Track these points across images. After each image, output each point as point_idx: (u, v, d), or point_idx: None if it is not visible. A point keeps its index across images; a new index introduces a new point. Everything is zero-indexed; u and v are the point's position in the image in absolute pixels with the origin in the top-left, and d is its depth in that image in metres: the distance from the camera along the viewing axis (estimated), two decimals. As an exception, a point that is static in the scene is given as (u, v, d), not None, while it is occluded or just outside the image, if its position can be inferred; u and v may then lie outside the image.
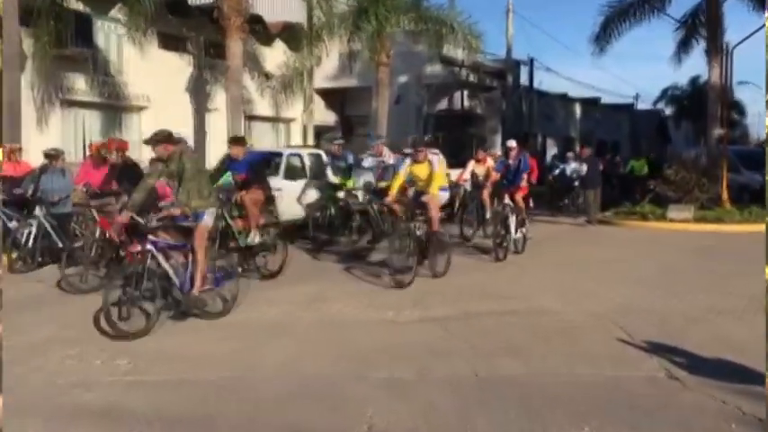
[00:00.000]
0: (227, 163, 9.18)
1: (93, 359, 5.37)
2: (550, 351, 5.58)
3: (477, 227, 12.26)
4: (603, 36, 19.57)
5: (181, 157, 6.53)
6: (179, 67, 17.90)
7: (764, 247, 7.64)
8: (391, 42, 17.71)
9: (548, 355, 5.48)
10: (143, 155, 12.12)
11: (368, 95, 19.19)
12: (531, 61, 29.77)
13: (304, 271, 9.14)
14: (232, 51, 15.15)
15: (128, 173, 8.83)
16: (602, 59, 50.87)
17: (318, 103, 22.78)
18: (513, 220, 10.45)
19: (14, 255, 9.01)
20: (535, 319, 6.69)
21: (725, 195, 15.88)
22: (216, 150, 15.42)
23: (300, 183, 12.40)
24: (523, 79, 29.59)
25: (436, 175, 8.64)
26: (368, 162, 11.29)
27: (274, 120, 20.92)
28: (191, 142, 17.18)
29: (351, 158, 11.77)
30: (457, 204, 13.36)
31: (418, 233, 8.50)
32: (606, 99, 37.75)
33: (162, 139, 6.52)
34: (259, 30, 18.31)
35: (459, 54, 20.80)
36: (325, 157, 12.73)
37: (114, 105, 16.52)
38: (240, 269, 8.20)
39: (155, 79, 16.56)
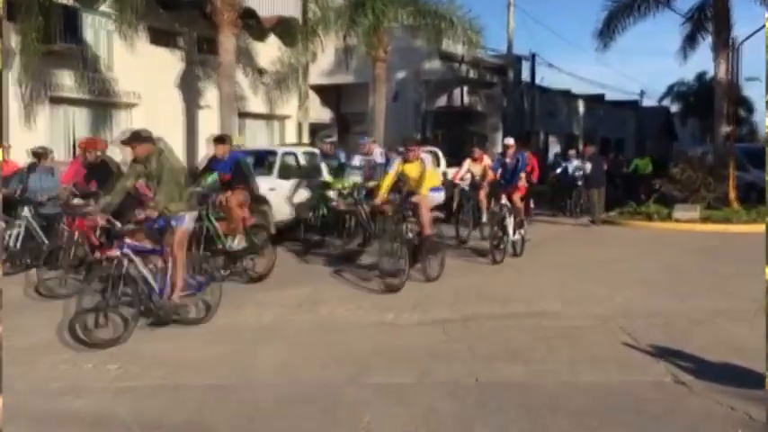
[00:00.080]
0: (212, 163, 9.02)
1: (84, 363, 5.32)
2: (552, 355, 5.51)
3: (474, 228, 11.95)
4: (607, 31, 19.23)
5: (159, 157, 6.37)
6: (170, 62, 17.60)
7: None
8: (389, 37, 17.45)
9: (549, 358, 5.42)
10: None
11: (365, 92, 18.96)
12: (533, 57, 29.50)
13: (293, 274, 9.02)
14: (225, 47, 14.84)
15: (100, 171, 8.59)
16: (606, 55, 50.49)
17: (314, 99, 22.62)
18: (510, 222, 10.16)
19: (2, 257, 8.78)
20: (536, 321, 6.60)
21: (732, 195, 15.70)
22: (208, 149, 15.09)
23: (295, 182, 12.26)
24: (525, 75, 29.47)
25: (428, 174, 8.36)
26: (356, 161, 10.99)
27: (268, 117, 20.66)
28: (181, 140, 17.06)
29: (342, 157, 11.51)
30: (455, 205, 13.03)
31: (409, 235, 8.26)
32: (610, 96, 37.50)
33: (136, 139, 6.36)
34: (252, 24, 18.01)
35: (458, 49, 20.66)
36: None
37: (103, 102, 16.26)
38: (226, 272, 8.21)
39: (145, 75, 16.27)
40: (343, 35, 17.42)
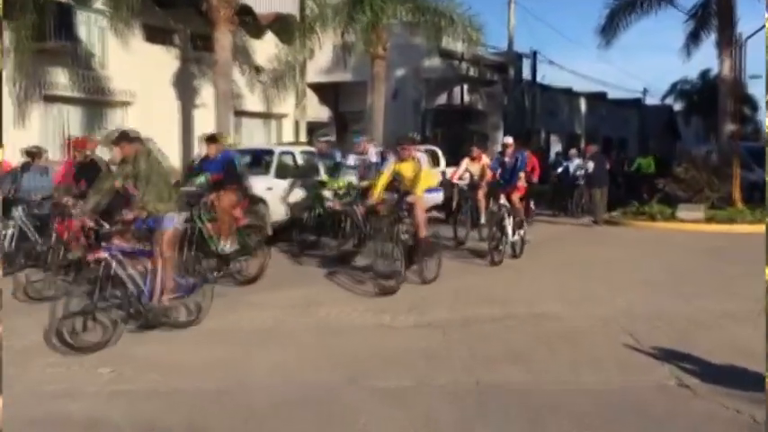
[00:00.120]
0: (203, 163, 8.90)
1: (76, 367, 5.27)
2: (554, 357, 5.44)
3: (472, 229, 11.74)
4: (609, 28, 19.03)
5: (148, 157, 6.33)
6: (165, 60, 17.46)
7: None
8: (388, 34, 17.22)
9: (551, 361, 5.35)
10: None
11: (363, 90, 18.80)
12: (534, 54, 29.30)
13: (287, 275, 8.90)
14: (221, 44, 14.68)
15: (89, 171, 8.46)
16: (608, 52, 50.41)
17: (311, 98, 22.46)
18: (509, 222, 9.97)
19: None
20: (537, 323, 6.53)
21: (737, 194, 15.52)
22: (203, 148, 14.92)
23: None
24: (526, 73, 29.30)
25: (423, 174, 8.19)
26: (351, 160, 10.79)
27: (265, 116, 20.50)
28: (176, 139, 16.87)
29: (338, 156, 11.33)
30: (455, 205, 12.84)
31: (404, 236, 8.10)
32: (612, 94, 37.25)
33: (124, 139, 6.34)
34: (249, 21, 17.94)
35: (458, 47, 20.57)
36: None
37: (97, 101, 16.13)
38: (218, 274, 8.06)
39: (140, 73, 16.12)
40: (342, 32, 17.19)
